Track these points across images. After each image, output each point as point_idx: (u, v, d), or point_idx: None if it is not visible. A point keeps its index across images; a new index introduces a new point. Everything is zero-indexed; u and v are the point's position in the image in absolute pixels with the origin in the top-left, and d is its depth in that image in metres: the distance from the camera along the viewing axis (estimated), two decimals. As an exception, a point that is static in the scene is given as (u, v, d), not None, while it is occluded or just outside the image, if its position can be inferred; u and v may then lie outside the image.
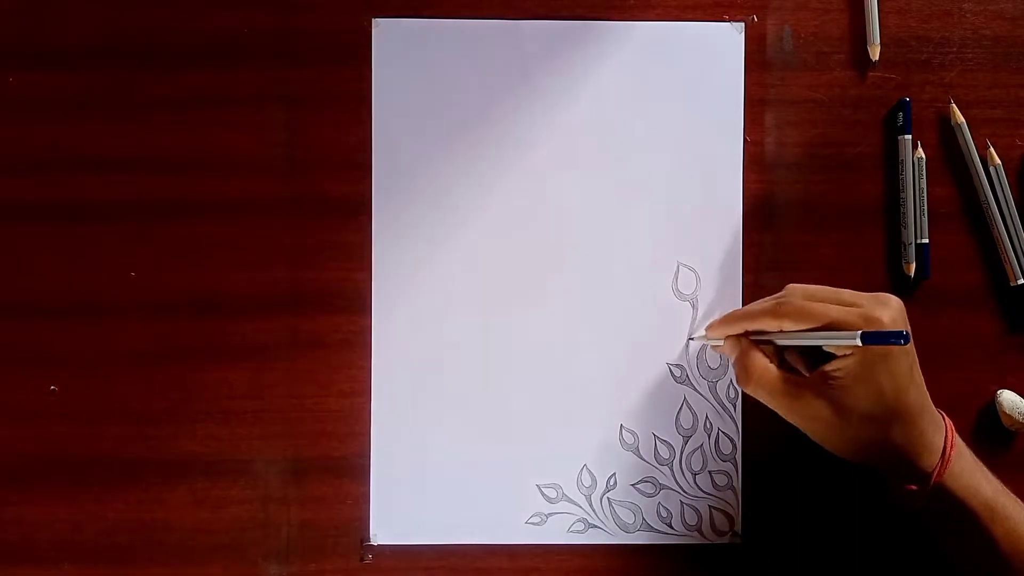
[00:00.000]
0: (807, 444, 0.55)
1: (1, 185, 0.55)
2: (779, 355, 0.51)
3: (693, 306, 0.55)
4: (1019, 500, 0.49)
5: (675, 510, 0.55)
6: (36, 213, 0.55)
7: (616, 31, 0.55)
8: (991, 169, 0.55)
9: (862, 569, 0.55)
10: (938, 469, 0.48)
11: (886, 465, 0.49)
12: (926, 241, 0.55)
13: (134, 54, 0.55)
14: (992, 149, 0.55)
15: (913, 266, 0.55)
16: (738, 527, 0.55)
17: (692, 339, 0.55)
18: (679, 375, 0.55)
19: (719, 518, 0.55)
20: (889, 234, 0.56)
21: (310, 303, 0.55)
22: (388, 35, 0.55)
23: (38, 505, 0.55)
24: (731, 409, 0.55)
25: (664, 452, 0.55)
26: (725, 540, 0.55)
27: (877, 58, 0.55)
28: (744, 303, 0.55)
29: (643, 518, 0.55)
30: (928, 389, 0.55)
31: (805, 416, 0.49)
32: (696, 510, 0.55)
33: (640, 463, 0.55)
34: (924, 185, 0.55)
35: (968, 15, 0.56)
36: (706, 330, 0.54)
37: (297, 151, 0.55)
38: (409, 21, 0.55)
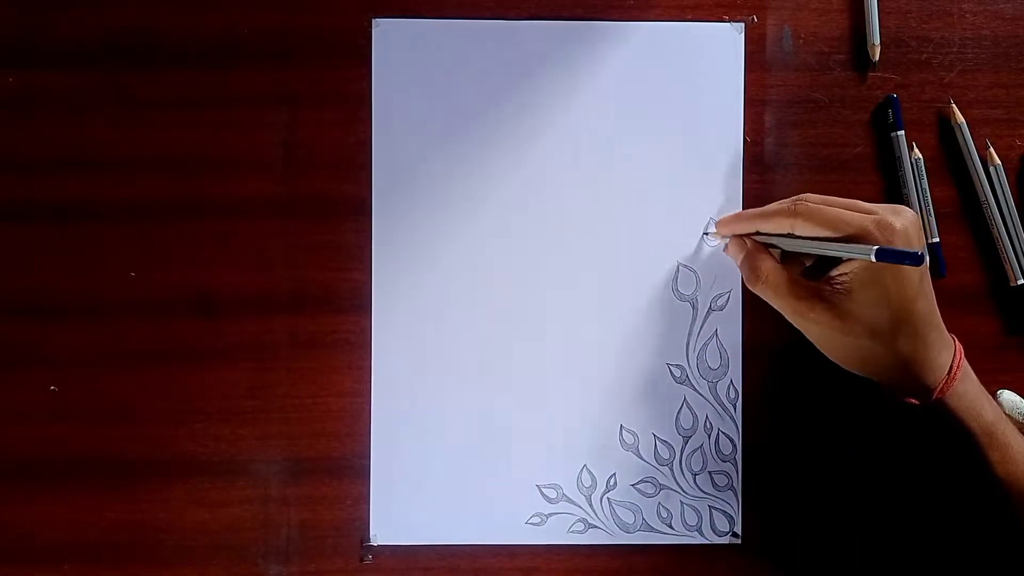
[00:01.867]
0: (807, 444, 0.55)
1: (1, 185, 0.55)
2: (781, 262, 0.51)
3: (693, 306, 0.55)
4: (1019, 432, 0.48)
5: (675, 510, 0.55)
6: (36, 213, 0.55)
7: (616, 31, 0.55)
8: (991, 169, 0.55)
9: (862, 569, 0.55)
10: (942, 386, 0.47)
11: (889, 379, 0.49)
12: (936, 240, 0.55)
13: (134, 54, 0.55)
14: (992, 149, 0.55)
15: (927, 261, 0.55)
16: (738, 527, 0.55)
17: (707, 235, 0.55)
18: (679, 375, 0.55)
19: (719, 518, 0.55)
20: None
21: (310, 303, 0.55)
22: (388, 35, 0.55)
23: (38, 505, 0.55)
24: (731, 409, 0.55)
25: (664, 452, 0.55)
26: (725, 540, 0.55)
27: (877, 58, 0.55)
28: (744, 304, 0.55)
29: (643, 518, 0.55)
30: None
31: (810, 320, 0.49)
32: (696, 510, 0.55)
33: (640, 463, 0.55)
34: (926, 185, 0.55)
35: (968, 15, 0.56)
36: (716, 226, 0.54)
37: (297, 151, 0.55)
38: (409, 21, 0.55)
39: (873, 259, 0.44)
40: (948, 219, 0.56)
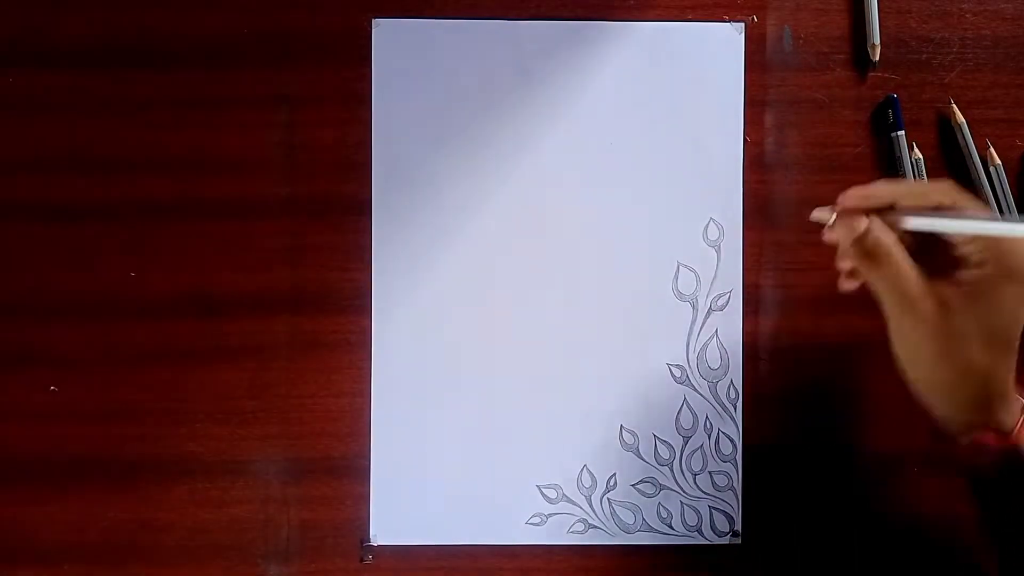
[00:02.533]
0: (807, 444, 0.55)
1: (1, 185, 0.55)
2: None
3: (693, 306, 0.55)
4: None
5: (675, 511, 0.55)
6: (36, 213, 0.55)
7: (616, 31, 0.55)
8: (991, 169, 0.55)
9: (862, 569, 0.55)
10: (1020, 425, 0.43)
11: (964, 405, 0.44)
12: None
13: (133, 54, 0.55)
14: (992, 149, 0.55)
15: None
16: (738, 527, 0.55)
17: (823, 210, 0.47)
18: (679, 375, 0.55)
19: (719, 519, 0.55)
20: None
21: (310, 303, 0.55)
22: (388, 35, 0.55)
23: (38, 505, 0.55)
24: (731, 410, 0.55)
25: (664, 452, 0.55)
26: (725, 540, 0.55)
27: (877, 58, 0.55)
28: (744, 304, 0.55)
29: (643, 519, 0.55)
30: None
31: (918, 319, 0.43)
32: (696, 511, 0.55)
33: (640, 463, 0.55)
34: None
35: (968, 15, 0.56)
36: (840, 200, 0.45)
37: (297, 151, 0.55)
38: (409, 21, 0.55)
39: (1021, 230, 0.41)
40: (948, 219, 0.56)
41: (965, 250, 0.43)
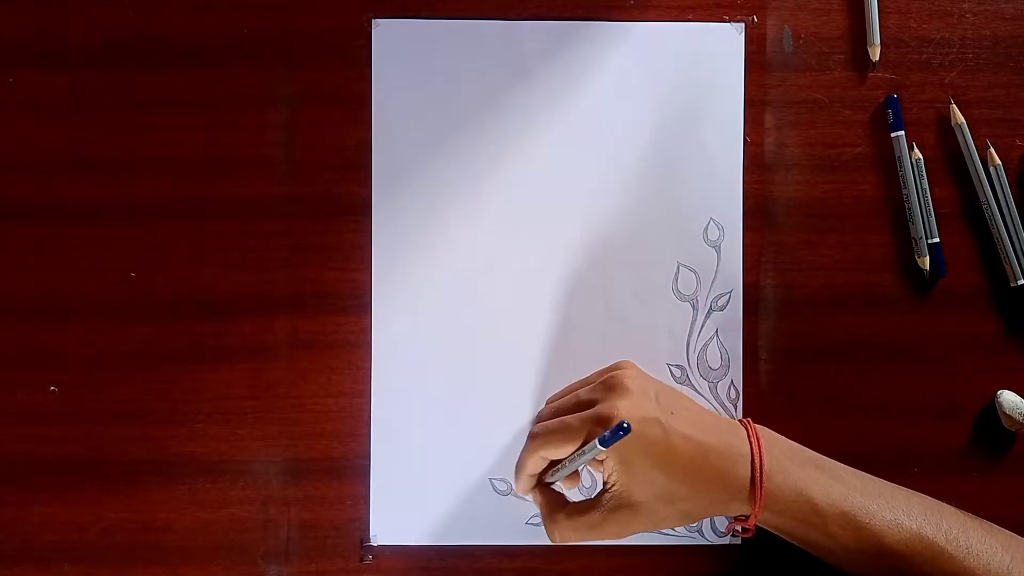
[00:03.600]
0: (807, 444, 0.55)
1: (1, 185, 0.55)
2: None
3: (693, 306, 0.55)
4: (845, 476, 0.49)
5: (675, 510, 0.55)
6: (36, 213, 0.55)
7: (616, 31, 0.55)
8: (991, 169, 0.55)
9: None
10: (756, 503, 0.47)
11: (717, 512, 0.50)
12: (937, 240, 0.55)
13: (134, 54, 0.55)
14: (992, 149, 0.55)
15: (927, 260, 0.55)
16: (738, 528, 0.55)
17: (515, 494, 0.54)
18: (679, 375, 0.55)
19: (719, 519, 0.55)
20: (894, 234, 0.56)
21: (310, 303, 0.55)
22: (388, 35, 0.55)
23: (38, 505, 0.55)
24: (731, 409, 0.55)
25: (664, 452, 0.55)
26: (725, 540, 0.55)
27: (877, 58, 0.55)
28: (744, 304, 0.55)
29: (643, 518, 0.55)
30: (929, 389, 0.55)
31: (622, 529, 0.48)
32: (696, 510, 0.55)
33: (640, 463, 0.55)
34: (927, 185, 0.55)
35: (968, 15, 0.56)
36: (518, 488, 0.52)
37: (297, 151, 0.55)
38: (409, 21, 0.55)
39: (603, 449, 0.45)
40: (948, 219, 0.56)
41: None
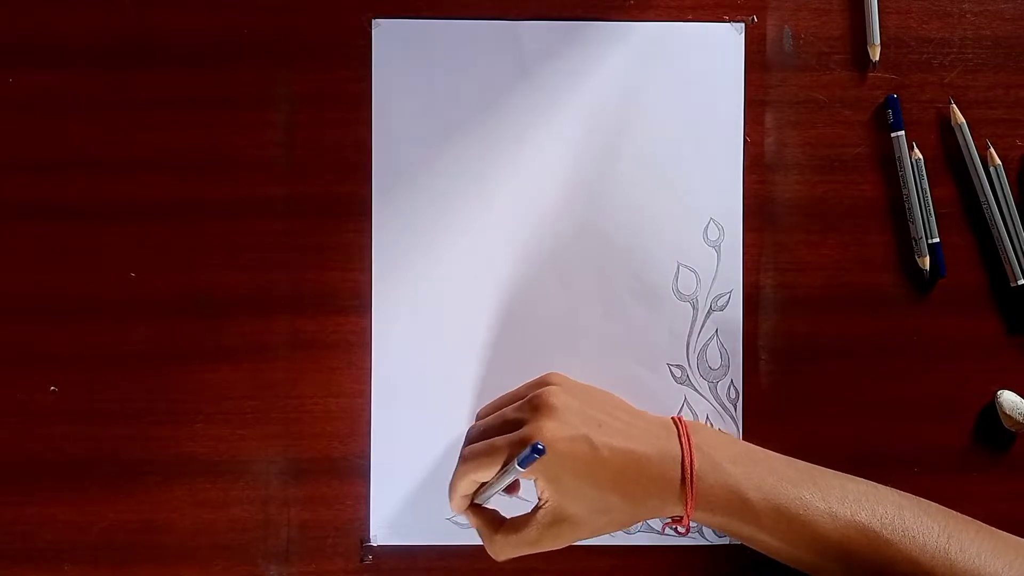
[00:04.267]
0: (807, 444, 0.55)
1: (1, 185, 0.55)
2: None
3: (693, 306, 0.55)
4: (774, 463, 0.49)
5: (675, 510, 0.55)
6: (36, 213, 0.55)
7: (616, 31, 0.55)
8: (991, 169, 0.55)
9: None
10: (687, 504, 0.47)
11: (654, 515, 0.50)
12: (937, 240, 0.55)
13: (134, 54, 0.55)
14: (992, 149, 0.55)
15: (928, 260, 0.55)
16: (738, 527, 0.55)
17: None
18: (679, 375, 0.55)
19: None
20: (894, 234, 0.56)
21: (310, 303, 0.55)
22: (388, 35, 0.55)
23: (38, 505, 0.55)
24: (731, 409, 0.55)
25: (664, 452, 0.55)
26: (725, 540, 0.55)
27: (877, 58, 0.55)
28: (744, 304, 0.55)
29: (643, 518, 0.55)
30: (928, 389, 0.55)
31: (559, 539, 0.49)
32: (696, 510, 0.55)
33: (640, 463, 0.55)
34: (927, 185, 0.55)
35: (968, 15, 0.56)
36: (455, 510, 0.52)
37: (297, 151, 0.55)
38: (409, 21, 0.55)
39: (523, 470, 0.45)
40: (948, 219, 0.56)
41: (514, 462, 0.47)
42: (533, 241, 0.55)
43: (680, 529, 0.49)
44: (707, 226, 0.55)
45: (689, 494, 0.47)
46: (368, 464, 0.55)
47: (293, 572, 0.55)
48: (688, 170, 0.56)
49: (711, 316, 0.55)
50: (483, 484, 0.50)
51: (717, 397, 0.55)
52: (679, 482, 0.47)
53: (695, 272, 0.55)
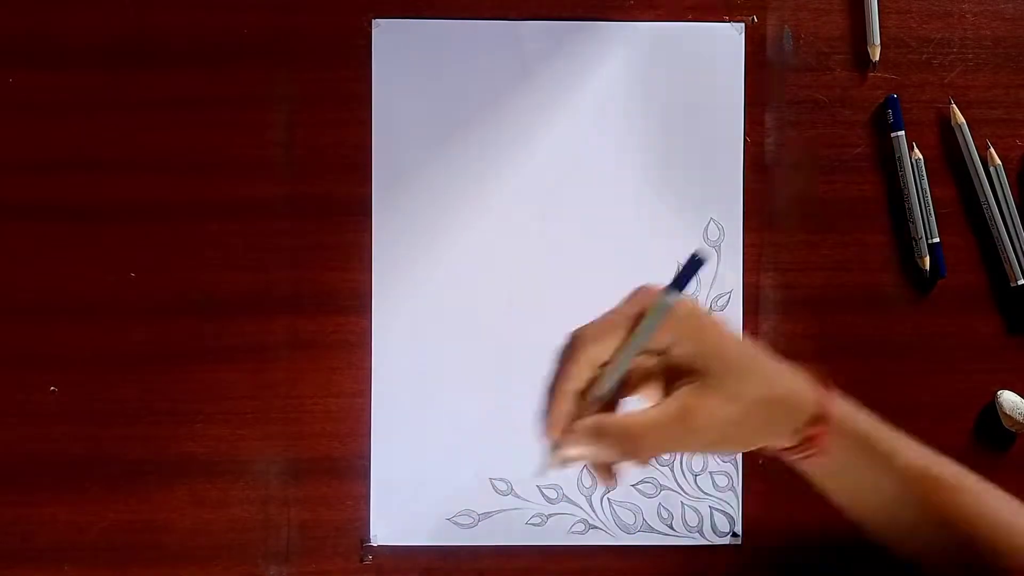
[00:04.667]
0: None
1: (1, 185, 0.55)
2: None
3: (693, 306, 0.55)
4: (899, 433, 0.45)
5: (676, 511, 0.55)
6: (36, 213, 0.55)
7: (616, 31, 0.55)
8: (991, 169, 0.55)
9: (862, 569, 0.55)
10: (809, 436, 0.42)
11: (775, 435, 0.42)
12: (937, 240, 0.55)
13: (134, 54, 0.55)
14: (992, 149, 0.55)
15: (928, 260, 0.55)
16: (738, 527, 0.55)
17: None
18: (679, 375, 0.55)
19: (719, 519, 0.55)
20: (894, 234, 0.56)
21: (310, 303, 0.55)
22: (388, 35, 0.55)
23: (38, 505, 0.55)
24: (731, 409, 0.55)
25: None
26: (725, 541, 0.55)
27: (877, 58, 0.55)
28: (744, 304, 0.55)
29: (644, 519, 0.55)
30: (928, 389, 0.55)
31: (687, 438, 0.40)
32: (696, 511, 0.55)
33: (640, 463, 0.55)
34: (927, 185, 0.55)
35: (968, 15, 0.56)
36: (552, 455, 0.42)
37: (297, 151, 0.55)
38: (409, 21, 0.55)
39: (671, 301, 0.39)
40: (948, 219, 0.56)
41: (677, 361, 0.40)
42: (533, 241, 0.55)
43: (807, 449, 0.42)
44: (707, 226, 0.55)
45: (831, 404, 0.42)
46: (368, 464, 0.55)
47: (293, 572, 0.55)
48: (688, 170, 0.56)
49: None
50: (594, 379, 0.40)
51: (717, 397, 0.55)
52: (814, 405, 0.42)
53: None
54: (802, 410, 0.42)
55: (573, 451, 0.41)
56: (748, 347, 0.43)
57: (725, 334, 0.41)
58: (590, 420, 0.40)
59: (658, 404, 0.40)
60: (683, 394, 0.40)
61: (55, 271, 0.55)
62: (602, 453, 0.41)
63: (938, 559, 0.45)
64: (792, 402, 0.42)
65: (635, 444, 0.39)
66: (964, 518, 0.44)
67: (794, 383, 0.42)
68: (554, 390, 0.41)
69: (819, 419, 0.42)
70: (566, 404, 0.41)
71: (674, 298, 0.39)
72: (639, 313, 0.40)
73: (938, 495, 0.44)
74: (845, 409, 0.43)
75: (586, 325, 0.41)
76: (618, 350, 0.40)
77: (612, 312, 0.41)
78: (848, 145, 0.56)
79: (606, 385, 0.41)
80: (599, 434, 0.40)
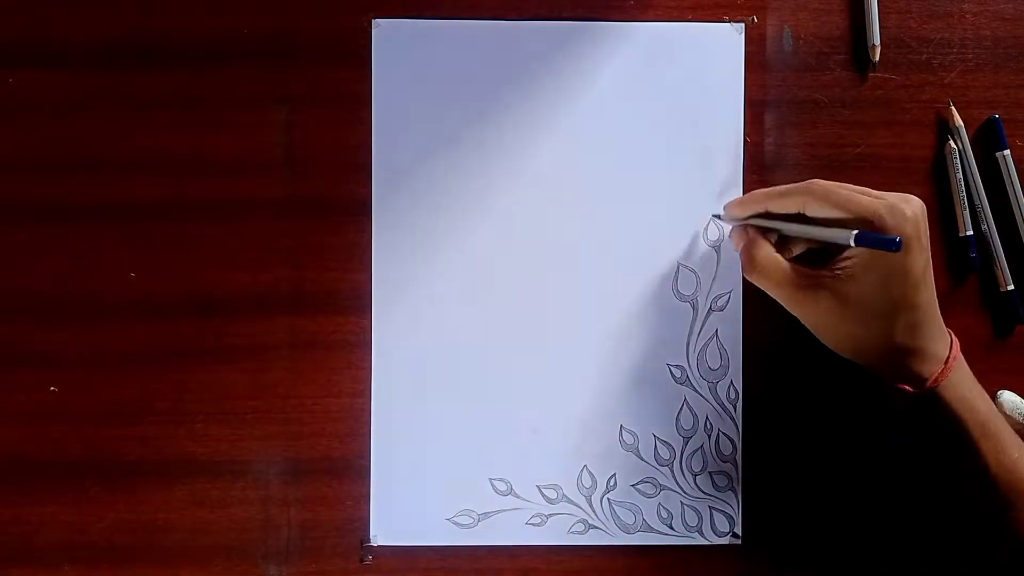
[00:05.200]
0: (807, 444, 0.55)
1: (1, 185, 0.55)
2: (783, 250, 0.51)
3: (693, 306, 0.55)
4: (1009, 427, 0.49)
5: (675, 511, 0.55)
6: (36, 213, 0.55)
7: (616, 31, 0.55)
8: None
9: (862, 569, 0.55)
10: (936, 375, 0.48)
11: (883, 367, 0.49)
12: (970, 234, 0.55)
13: (134, 54, 0.55)
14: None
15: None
16: (738, 528, 0.55)
17: (717, 217, 0.55)
18: (679, 376, 0.55)
19: (719, 519, 0.55)
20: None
21: (310, 303, 0.55)
22: (388, 35, 0.55)
23: (38, 505, 0.55)
24: (731, 410, 0.55)
25: (664, 453, 0.55)
26: (725, 541, 0.55)
27: (877, 58, 0.55)
28: (744, 304, 0.55)
29: (643, 519, 0.55)
30: (929, 389, 0.55)
31: (809, 308, 0.49)
32: (696, 511, 0.55)
33: (640, 464, 0.55)
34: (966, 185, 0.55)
35: (968, 16, 0.56)
36: (725, 209, 0.54)
37: (297, 151, 0.55)
38: (409, 21, 0.55)
39: (852, 244, 0.46)
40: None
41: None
42: (533, 241, 0.55)
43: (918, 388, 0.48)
44: (707, 226, 0.56)
45: (950, 364, 0.48)
46: (368, 464, 0.55)
47: (293, 572, 0.55)
48: (688, 170, 0.56)
49: (711, 316, 0.55)
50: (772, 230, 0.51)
51: (717, 397, 0.55)
52: (940, 361, 0.48)
53: (695, 272, 0.55)
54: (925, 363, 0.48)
55: (730, 218, 0.54)
56: (910, 297, 0.48)
57: (907, 278, 0.47)
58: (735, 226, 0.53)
59: (813, 271, 0.49)
60: (832, 290, 0.48)
61: (55, 271, 0.55)
62: (738, 245, 0.52)
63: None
64: (908, 360, 0.48)
65: (751, 267, 0.51)
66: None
67: (926, 347, 0.48)
68: (761, 191, 0.52)
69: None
70: (753, 202, 0.52)
71: (867, 242, 0.46)
72: (864, 216, 0.47)
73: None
74: (957, 393, 0.48)
75: (834, 185, 0.49)
76: (810, 226, 0.49)
77: (852, 196, 0.48)
78: (848, 145, 0.56)
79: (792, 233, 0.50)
80: (740, 239, 0.52)
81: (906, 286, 0.47)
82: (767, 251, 0.50)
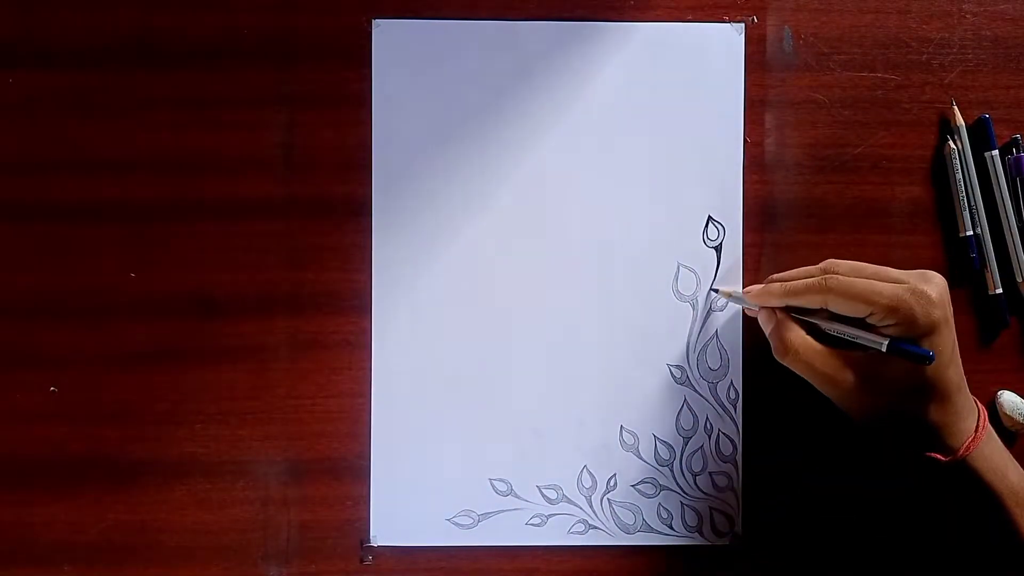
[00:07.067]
0: (807, 444, 0.55)
1: (1, 185, 0.55)
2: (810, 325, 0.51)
3: (693, 306, 0.55)
4: None
5: (675, 511, 0.55)
6: (36, 213, 0.55)
7: (616, 31, 0.55)
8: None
9: (862, 569, 0.55)
10: (967, 444, 0.48)
11: (915, 439, 0.49)
12: (970, 234, 0.55)
13: (133, 54, 0.55)
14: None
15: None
16: (738, 528, 0.55)
17: (717, 291, 0.55)
18: (679, 376, 0.55)
19: (719, 519, 0.55)
20: (893, 234, 0.56)
21: (310, 304, 0.55)
22: (388, 35, 0.55)
23: (38, 505, 0.55)
24: (731, 410, 0.55)
25: (664, 453, 0.55)
26: (725, 541, 0.55)
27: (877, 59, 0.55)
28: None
29: (643, 519, 0.55)
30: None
31: (841, 387, 0.48)
32: (696, 511, 0.55)
33: (640, 464, 0.55)
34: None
35: (968, 16, 0.56)
36: (744, 294, 0.53)
37: (297, 151, 0.55)
38: (409, 21, 0.55)
39: (884, 350, 0.47)
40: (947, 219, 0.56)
41: (872, 320, 0.48)
42: (533, 241, 0.55)
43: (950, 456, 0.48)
44: (707, 226, 0.56)
45: (980, 434, 0.49)
46: (368, 464, 0.55)
47: (293, 572, 0.55)
48: (688, 170, 0.56)
49: (711, 316, 0.55)
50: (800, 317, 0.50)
51: (717, 397, 0.55)
52: (968, 434, 0.49)
53: (695, 272, 0.55)
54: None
55: (737, 298, 0.54)
56: (940, 376, 0.48)
57: (937, 358, 0.47)
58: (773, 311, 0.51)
59: (845, 352, 0.49)
60: (863, 371, 0.48)
61: (55, 271, 0.55)
62: (766, 327, 0.52)
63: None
64: (939, 433, 0.49)
65: (783, 351, 0.50)
66: None
67: (955, 422, 0.49)
68: (779, 286, 0.51)
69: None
70: (772, 296, 0.51)
71: (899, 351, 0.47)
72: (888, 305, 0.47)
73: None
74: (988, 463, 0.48)
75: (852, 272, 0.49)
76: (837, 324, 0.49)
77: (872, 288, 0.47)
78: (848, 145, 0.56)
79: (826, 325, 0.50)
80: (770, 321, 0.51)
81: (937, 366, 0.47)
82: (798, 334, 0.50)
